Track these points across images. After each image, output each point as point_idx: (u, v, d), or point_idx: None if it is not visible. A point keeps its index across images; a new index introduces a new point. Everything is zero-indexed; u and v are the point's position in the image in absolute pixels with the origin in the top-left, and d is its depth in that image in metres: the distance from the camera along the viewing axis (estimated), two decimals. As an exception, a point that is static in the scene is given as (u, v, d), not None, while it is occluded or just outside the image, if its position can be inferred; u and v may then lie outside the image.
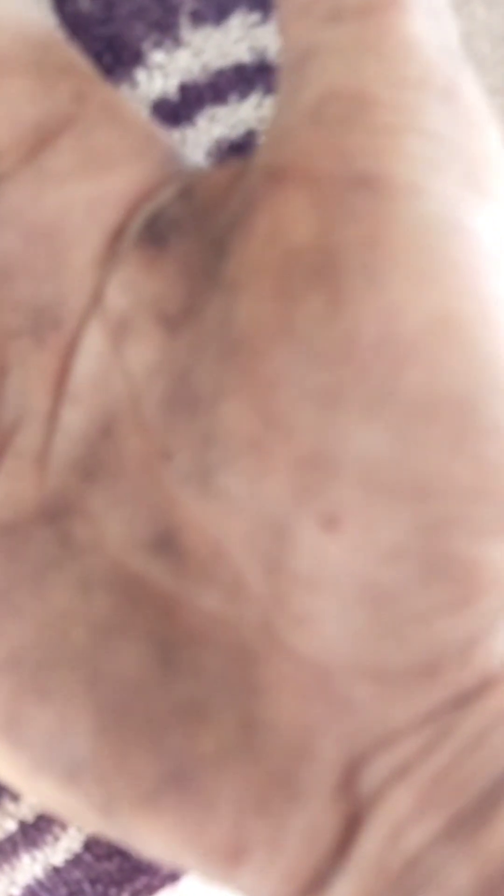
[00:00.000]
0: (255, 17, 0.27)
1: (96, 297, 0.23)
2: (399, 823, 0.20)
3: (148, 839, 0.21)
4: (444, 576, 0.20)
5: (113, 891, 0.29)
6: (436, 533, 0.20)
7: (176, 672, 0.21)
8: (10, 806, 0.29)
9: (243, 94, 0.27)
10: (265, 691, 0.21)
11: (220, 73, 0.27)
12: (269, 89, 0.27)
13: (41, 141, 0.23)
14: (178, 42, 0.26)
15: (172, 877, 0.30)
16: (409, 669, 0.20)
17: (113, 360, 0.23)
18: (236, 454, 0.21)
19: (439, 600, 0.20)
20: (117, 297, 0.23)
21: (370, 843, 0.20)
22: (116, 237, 0.23)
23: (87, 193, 0.23)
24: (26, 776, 0.21)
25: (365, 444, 0.20)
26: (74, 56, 0.24)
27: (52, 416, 0.23)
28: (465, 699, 0.20)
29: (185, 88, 0.26)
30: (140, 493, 0.22)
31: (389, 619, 0.20)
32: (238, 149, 0.27)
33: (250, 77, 0.27)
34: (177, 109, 0.26)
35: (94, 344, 0.23)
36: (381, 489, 0.20)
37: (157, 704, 0.21)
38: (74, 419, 0.23)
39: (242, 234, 0.21)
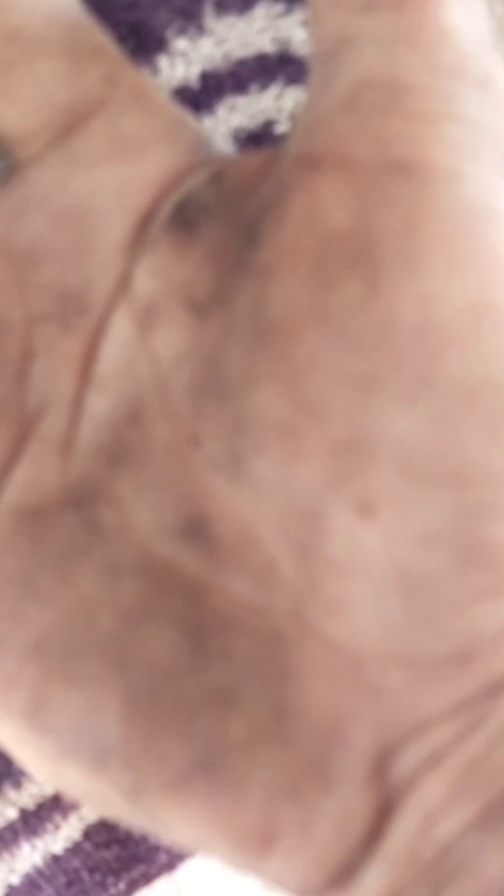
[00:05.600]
0: (279, 7, 0.27)
1: (124, 283, 0.23)
2: (431, 812, 0.20)
3: (176, 825, 0.21)
4: (479, 563, 0.20)
5: (111, 879, 0.29)
6: (471, 519, 0.20)
7: (206, 658, 0.21)
8: (11, 794, 0.28)
9: (264, 85, 0.27)
10: (296, 677, 0.21)
11: (242, 63, 0.27)
12: (290, 80, 0.27)
13: (71, 124, 0.23)
14: (201, 30, 0.26)
15: (169, 865, 0.30)
16: (443, 657, 0.20)
17: (140, 346, 0.22)
18: (268, 440, 0.21)
19: (473, 587, 0.20)
20: (145, 282, 0.23)
21: (402, 832, 0.20)
22: (145, 222, 0.23)
23: (117, 178, 0.23)
24: (52, 762, 0.21)
25: (401, 429, 0.20)
26: (105, 40, 0.24)
27: (78, 402, 0.23)
28: (497, 687, 0.20)
29: (206, 76, 0.26)
30: (168, 479, 0.22)
31: (423, 606, 0.20)
32: (256, 139, 0.27)
33: (272, 67, 0.27)
34: (197, 97, 0.26)
35: (121, 329, 0.23)
36: (417, 475, 0.20)
37: (187, 690, 0.21)
38: (100, 405, 0.23)
39: (275, 220, 0.21)
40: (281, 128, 0.27)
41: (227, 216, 0.22)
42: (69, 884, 0.29)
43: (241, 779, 0.20)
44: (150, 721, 0.21)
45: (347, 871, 0.20)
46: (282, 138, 0.27)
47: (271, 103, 0.27)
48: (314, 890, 0.20)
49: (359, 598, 0.20)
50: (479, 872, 0.19)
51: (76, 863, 0.29)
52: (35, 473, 0.22)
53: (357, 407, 0.20)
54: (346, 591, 0.20)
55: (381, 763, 0.20)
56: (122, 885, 0.30)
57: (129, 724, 0.21)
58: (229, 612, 0.21)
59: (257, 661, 0.21)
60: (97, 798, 0.21)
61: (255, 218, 0.22)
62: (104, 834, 0.29)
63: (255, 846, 0.20)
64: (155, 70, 0.26)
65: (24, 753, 0.22)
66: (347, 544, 0.20)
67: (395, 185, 0.20)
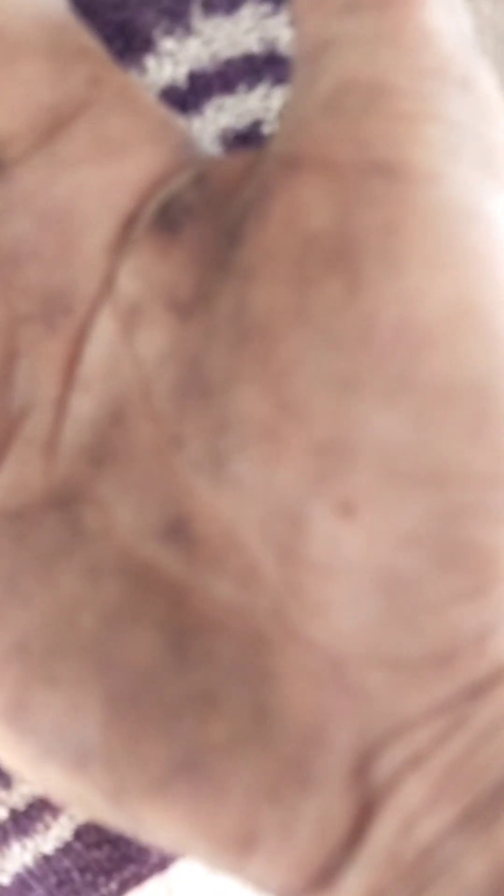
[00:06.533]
0: (266, 7, 0.27)
1: (108, 284, 0.23)
2: (412, 814, 0.20)
3: (157, 827, 0.21)
4: (460, 563, 0.20)
5: (102, 879, 0.29)
6: (452, 520, 0.20)
7: (188, 660, 0.21)
8: (1, 794, 0.28)
9: (251, 85, 0.27)
10: (278, 679, 0.21)
11: (230, 63, 0.26)
12: (277, 80, 0.27)
13: (55, 125, 0.23)
14: (188, 30, 0.26)
15: (161, 866, 0.30)
16: (424, 658, 0.20)
17: (124, 347, 0.22)
18: (250, 440, 0.21)
19: (455, 588, 0.20)
20: (129, 283, 0.23)
21: (383, 833, 0.20)
22: (129, 223, 0.23)
23: (101, 179, 0.23)
24: (33, 763, 0.21)
25: (382, 430, 0.20)
26: (90, 41, 0.23)
27: (62, 403, 0.23)
28: (479, 689, 0.20)
29: (193, 77, 0.26)
30: (151, 480, 0.22)
31: (404, 607, 0.20)
32: (244, 139, 0.27)
33: (259, 67, 0.27)
34: (185, 97, 0.26)
35: (104, 330, 0.23)
36: (398, 475, 0.20)
37: (168, 692, 0.21)
38: (84, 406, 0.23)
39: (257, 221, 0.21)
40: (268, 128, 0.27)
41: (209, 217, 0.22)
42: (60, 884, 0.29)
43: (222, 781, 0.20)
44: (131, 723, 0.21)
45: (328, 872, 0.20)
46: (269, 138, 0.27)
47: (259, 103, 0.27)
48: (295, 892, 0.20)
49: (340, 600, 0.20)
50: (459, 874, 0.19)
51: (67, 863, 0.29)
52: (19, 474, 0.23)
53: (338, 407, 0.20)
54: (327, 593, 0.20)
55: (362, 765, 0.20)
56: (113, 886, 0.30)
57: (110, 726, 0.21)
58: (211, 614, 0.21)
59: (238, 663, 0.21)
60: (79, 799, 0.21)
61: (237, 219, 0.22)
62: (95, 834, 0.29)
63: (236, 848, 0.20)
64: (142, 70, 0.26)
65: (6, 754, 0.22)
66: (328, 545, 0.20)
67: (376, 185, 0.20)
